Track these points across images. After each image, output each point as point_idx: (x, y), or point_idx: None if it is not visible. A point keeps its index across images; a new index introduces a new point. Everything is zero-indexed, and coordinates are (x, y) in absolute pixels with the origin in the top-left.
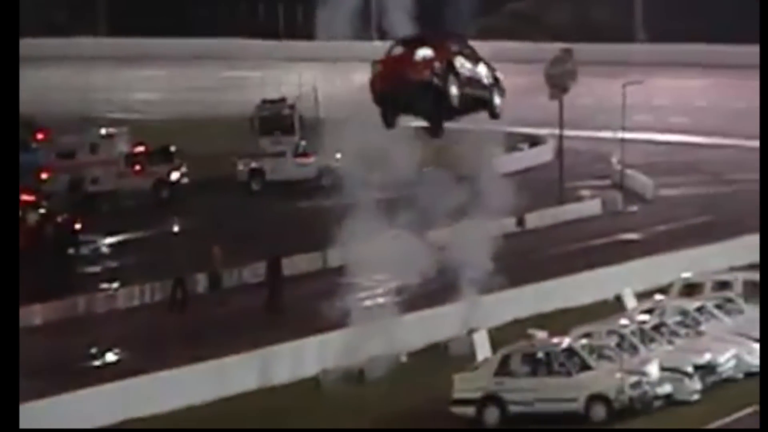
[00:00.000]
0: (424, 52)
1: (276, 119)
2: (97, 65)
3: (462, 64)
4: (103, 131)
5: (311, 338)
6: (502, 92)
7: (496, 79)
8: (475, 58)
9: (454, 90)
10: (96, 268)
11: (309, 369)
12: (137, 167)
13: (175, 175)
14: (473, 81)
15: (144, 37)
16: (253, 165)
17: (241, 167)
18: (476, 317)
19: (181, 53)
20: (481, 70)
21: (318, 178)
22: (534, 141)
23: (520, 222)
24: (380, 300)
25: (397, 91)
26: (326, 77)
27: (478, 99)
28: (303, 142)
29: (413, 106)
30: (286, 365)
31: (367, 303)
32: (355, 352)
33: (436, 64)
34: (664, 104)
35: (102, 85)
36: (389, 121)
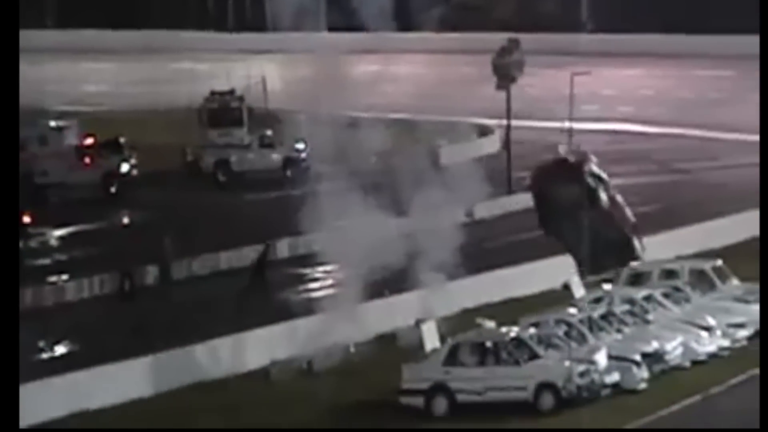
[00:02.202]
0: (574, 159)
1: (224, 111)
2: (46, 57)
3: (604, 178)
4: (52, 123)
5: (260, 330)
6: (640, 237)
7: (635, 223)
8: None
9: (603, 195)
10: (45, 261)
11: (259, 360)
12: (87, 159)
13: (125, 167)
14: (615, 201)
15: (93, 29)
16: (219, 156)
17: (205, 158)
18: (425, 307)
19: (130, 45)
20: (621, 199)
21: (283, 168)
22: (482, 131)
23: (469, 212)
24: (331, 291)
25: (555, 185)
26: (276, 69)
27: (618, 229)
28: (269, 132)
29: (568, 202)
30: (234, 356)
31: (318, 294)
32: (306, 342)
33: (585, 168)
34: (611, 94)
35: (51, 77)
36: (548, 229)
